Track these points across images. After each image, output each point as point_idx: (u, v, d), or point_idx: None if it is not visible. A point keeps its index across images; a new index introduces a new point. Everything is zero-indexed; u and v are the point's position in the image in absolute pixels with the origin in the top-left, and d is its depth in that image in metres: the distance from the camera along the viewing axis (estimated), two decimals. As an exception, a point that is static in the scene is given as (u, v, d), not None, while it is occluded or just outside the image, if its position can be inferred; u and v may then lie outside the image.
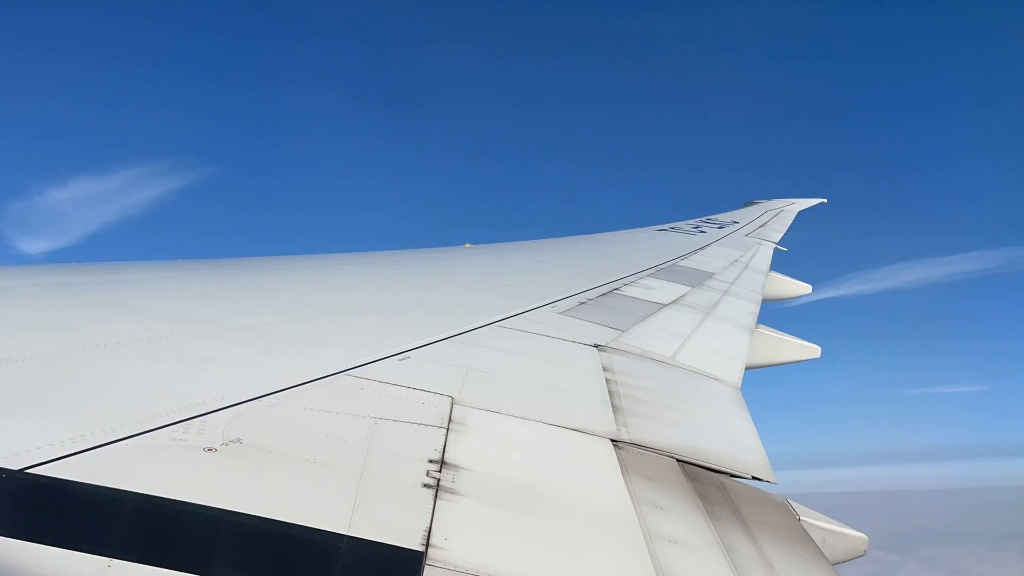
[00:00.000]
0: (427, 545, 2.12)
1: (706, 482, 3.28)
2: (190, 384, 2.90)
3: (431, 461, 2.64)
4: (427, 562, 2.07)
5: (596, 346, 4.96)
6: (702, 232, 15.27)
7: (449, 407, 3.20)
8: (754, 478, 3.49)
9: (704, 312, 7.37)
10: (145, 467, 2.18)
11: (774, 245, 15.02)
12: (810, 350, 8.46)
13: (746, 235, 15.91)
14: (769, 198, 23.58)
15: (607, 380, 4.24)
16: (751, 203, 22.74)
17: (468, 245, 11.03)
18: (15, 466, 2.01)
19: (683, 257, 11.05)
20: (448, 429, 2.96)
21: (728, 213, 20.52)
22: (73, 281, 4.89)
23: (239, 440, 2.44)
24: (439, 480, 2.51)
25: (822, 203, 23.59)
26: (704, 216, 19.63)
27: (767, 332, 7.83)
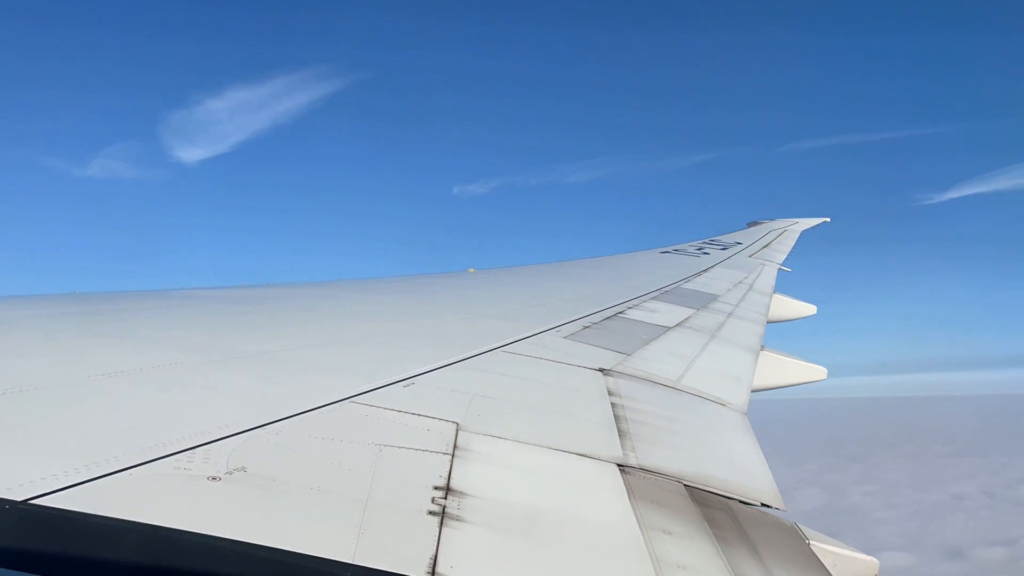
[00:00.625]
0: (433, 573, 2.10)
1: (714, 507, 3.25)
2: (194, 413, 2.89)
3: (436, 488, 2.62)
4: None
5: (601, 370, 4.95)
6: (706, 254, 15.29)
7: (454, 433, 3.18)
8: (763, 505, 3.46)
9: (709, 335, 7.36)
10: (149, 497, 2.17)
11: (778, 266, 15.03)
12: (816, 371, 8.44)
13: (750, 256, 15.92)
14: (772, 218, 23.62)
15: (613, 404, 4.23)
16: (754, 223, 22.78)
17: (471, 270, 11.06)
18: (19, 497, 2.00)
19: (687, 279, 11.06)
20: (453, 455, 2.95)
21: (731, 234, 20.56)
22: (76, 310, 4.90)
23: (243, 468, 2.43)
24: (444, 507, 2.49)
25: (825, 222, 23.58)
26: (707, 237, 19.67)
27: (772, 354, 7.81)
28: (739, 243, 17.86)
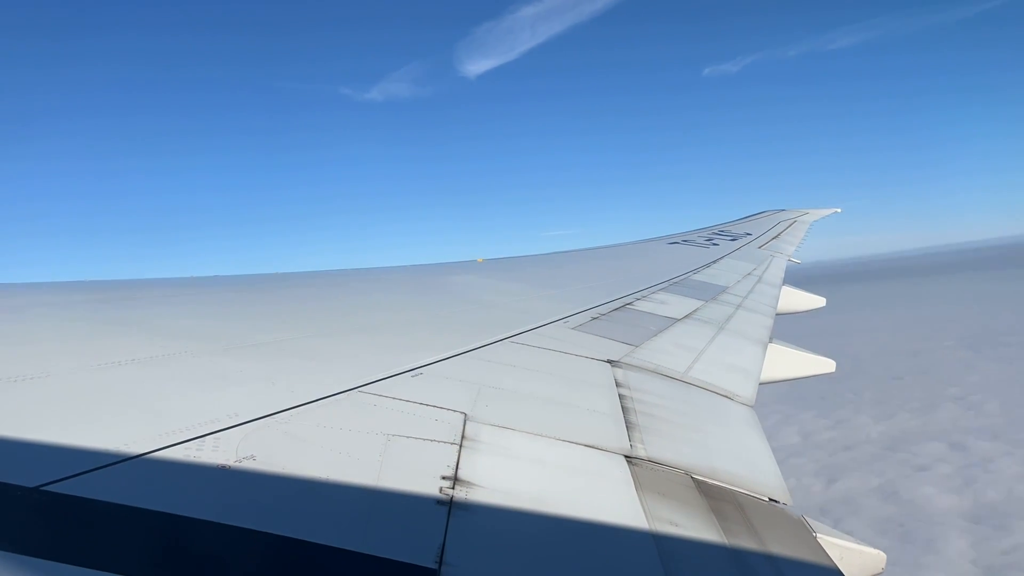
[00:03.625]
0: (440, 562, 2.11)
1: (721, 498, 3.25)
2: (204, 401, 2.91)
3: (444, 478, 2.63)
4: None
5: (609, 361, 4.94)
6: (715, 245, 15.25)
7: (462, 423, 3.19)
8: (770, 500, 3.46)
9: (717, 327, 7.34)
10: (160, 484, 2.19)
11: (788, 258, 14.98)
12: (824, 364, 8.40)
13: (759, 247, 15.87)
14: (783, 208, 23.54)
15: (621, 396, 4.23)
16: (764, 213, 22.71)
17: (480, 259, 11.06)
18: (31, 483, 2.02)
19: (696, 271, 11.03)
20: (461, 445, 2.95)
21: (740, 223, 20.50)
22: (87, 298, 4.93)
23: (252, 457, 2.45)
24: (452, 497, 2.50)
25: (836, 212, 23.48)
26: (716, 226, 19.61)
27: (781, 347, 7.79)
28: (749, 234, 17.80)
